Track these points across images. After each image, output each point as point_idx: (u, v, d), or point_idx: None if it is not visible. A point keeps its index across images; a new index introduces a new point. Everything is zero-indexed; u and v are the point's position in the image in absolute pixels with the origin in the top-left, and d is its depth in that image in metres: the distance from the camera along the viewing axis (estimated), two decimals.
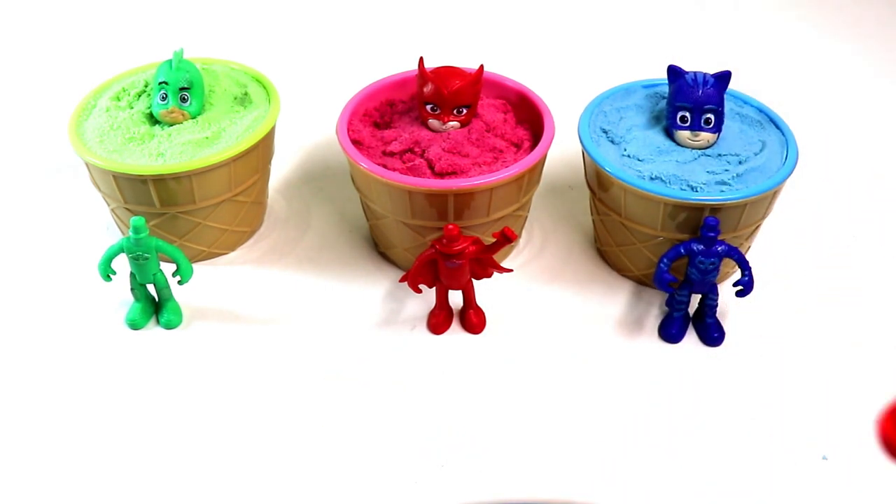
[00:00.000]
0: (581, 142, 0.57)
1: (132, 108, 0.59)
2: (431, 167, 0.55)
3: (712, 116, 0.54)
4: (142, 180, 0.55)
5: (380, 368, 0.54)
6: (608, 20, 0.93)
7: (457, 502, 0.46)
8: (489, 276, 0.54)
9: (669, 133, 0.56)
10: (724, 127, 0.56)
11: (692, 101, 0.54)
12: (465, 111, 0.57)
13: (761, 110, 0.59)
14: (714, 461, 0.48)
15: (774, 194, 0.55)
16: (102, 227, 0.64)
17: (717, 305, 0.55)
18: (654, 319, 0.57)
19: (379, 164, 0.55)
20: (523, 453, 0.48)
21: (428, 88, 0.56)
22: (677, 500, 0.46)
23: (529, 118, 0.61)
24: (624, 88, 0.61)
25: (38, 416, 0.51)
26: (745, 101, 0.60)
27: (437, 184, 0.53)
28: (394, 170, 0.55)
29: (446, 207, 0.54)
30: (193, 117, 0.58)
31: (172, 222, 0.58)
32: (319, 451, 0.49)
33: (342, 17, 0.94)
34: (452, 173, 0.55)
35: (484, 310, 0.57)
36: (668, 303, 0.55)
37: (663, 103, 0.59)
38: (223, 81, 0.61)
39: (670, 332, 0.55)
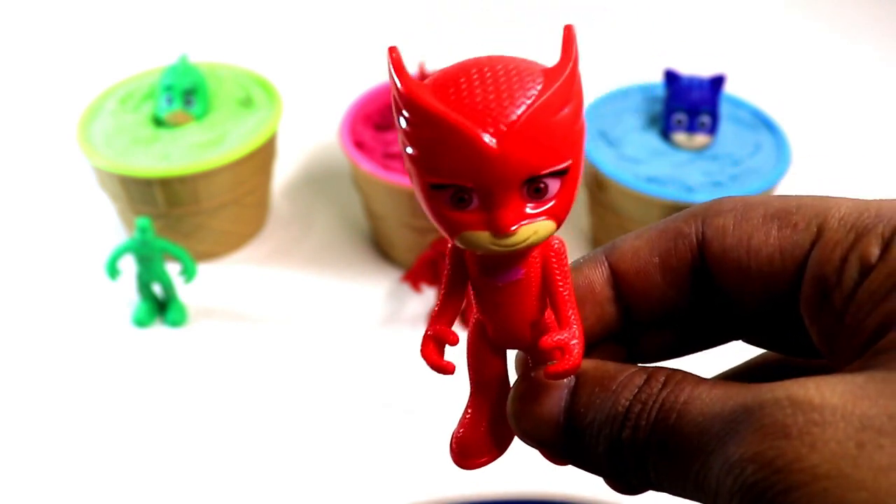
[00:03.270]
0: None
1: (138, 111, 0.60)
2: None
3: (708, 119, 0.55)
4: (147, 182, 0.56)
5: (381, 366, 0.54)
6: (605, 25, 0.94)
7: (457, 500, 0.47)
8: None
9: (666, 135, 0.57)
10: (719, 129, 0.57)
11: (688, 103, 0.55)
12: None
13: (756, 113, 0.60)
14: None
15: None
16: (109, 227, 0.65)
17: None
18: None
19: (380, 166, 0.56)
20: (523, 451, 0.49)
21: None
22: (675, 496, 0.47)
23: None
24: (621, 91, 0.62)
25: (46, 413, 0.51)
26: (739, 103, 0.61)
27: None
28: (395, 171, 0.56)
29: None
30: (198, 120, 0.59)
31: (178, 223, 0.59)
32: (321, 448, 0.49)
33: (344, 20, 0.95)
34: None
35: None
36: None
37: (660, 106, 0.60)
38: (227, 85, 0.62)
39: None
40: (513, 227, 0.18)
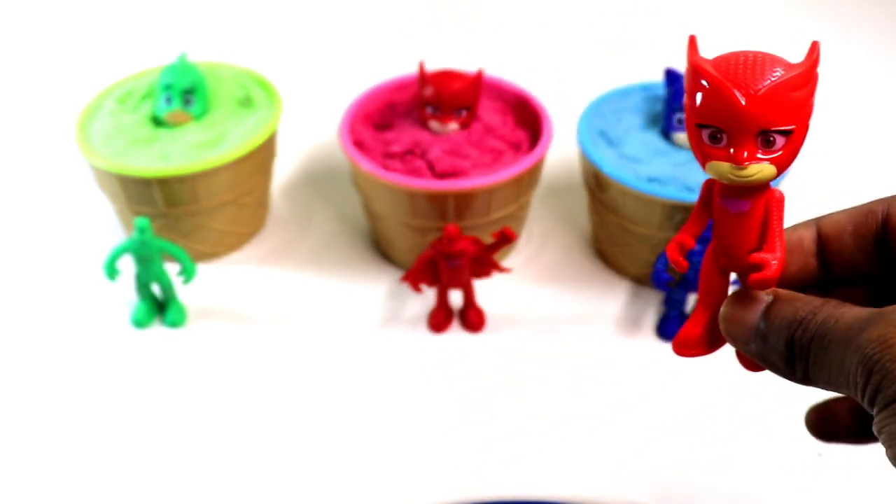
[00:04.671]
0: (579, 143, 0.58)
1: (137, 110, 0.60)
2: (432, 168, 0.56)
3: None
4: (146, 182, 0.56)
5: (380, 367, 0.54)
6: (606, 23, 0.94)
7: (457, 502, 0.46)
8: (489, 275, 0.55)
9: (667, 135, 0.57)
10: None
11: None
12: (464, 113, 0.58)
13: None
14: (712, 459, 0.48)
15: None
16: (108, 227, 0.65)
17: None
18: (651, 319, 0.58)
19: (380, 166, 0.56)
20: (523, 452, 0.49)
21: (428, 91, 0.57)
22: (676, 498, 0.47)
23: (528, 120, 0.61)
24: (622, 91, 0.62)
25: (43, 414, 0.51)
26: None
27: (438, 185, 0.54)
28: (394, 171, 0.56)
29: (446, 208, 0.55)
30: (197, 120, 0.58)
31: (176, 223, 0.59)
32: (320, 449, 0.49)
33: (344, 20, 0.95)
34: (452, 174, 0.55)
35: (484, 309, 0.57)
36: (666, 302, 0.56)
37: (661, 105, 0.59)
38: (226, 84, 0.62)
39: (668, 331, 0.56)
40: (745, 163, 0.27)
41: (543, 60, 0.87)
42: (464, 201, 0.55)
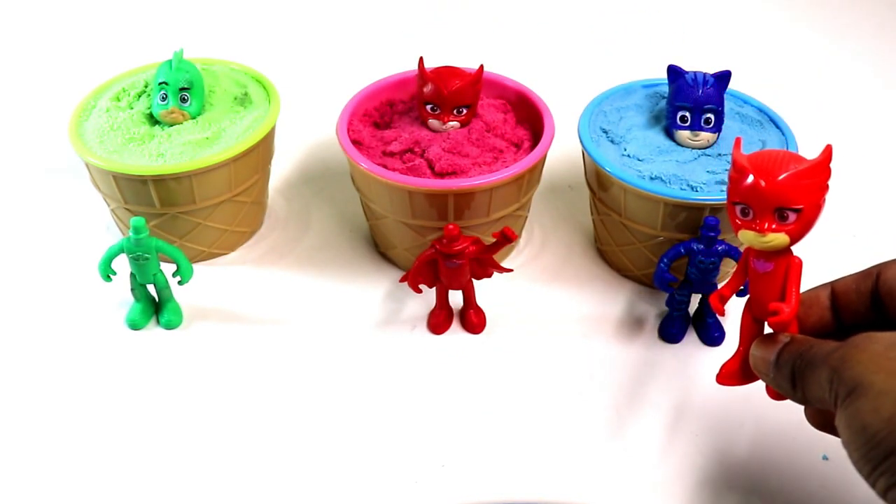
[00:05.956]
0: (581, 142, 0.57)
1: (132, 108, 0.59)
2: (431, 167, 0.55)
3: (712, 116, 0.54)
4: (142, 181, 0.55)
5: (380, 368, 0.54)
6: (608, 20, 0.93)
7: (457, 502, 0.46)
8: (489, 276, 0.54)
9: (669, 133, 0.56)
10: (723, 126, 0.56)
11: (692, 100, 0.54)
12: (464, 111, 0.57)
13: (761, 110, 0.59)
14: (715, 461, 0.48)
15: None
16: (102, 227, 0.64)
17: None
18: (654, 319, 0.57)
19: (379, 165, 0.55)
20: (523, 453, 0.48)
21: (428, 88, 0.56)
22: (677, 500, 0.46)
23: (529, 118, 0.61)
24: (624, 88, 0.61)
25: (37, 416, 0.51)
26: (744, 100, 0.60)
27: (437, 184, 0.53)
28: (394, 170, 0.55)
29: (446, 207, 0.54)
30: (193, 118, 0.58)
31: (172, 222, 0.58)
32: (319, 450, 0.49)
33: (342, 17, 0.94)
34: (452, 173, 0.55)
35: (484, 310, 0.57)
36: (668, 303, 0.55)
37: (663, 103, 0.59)
38: (223, 82, 0.61)
39: (670, 331, 0.55)
40: (765, 233, 0.36)
41: (544, 57, 0.86)
42: (464, 200, 0.54)
